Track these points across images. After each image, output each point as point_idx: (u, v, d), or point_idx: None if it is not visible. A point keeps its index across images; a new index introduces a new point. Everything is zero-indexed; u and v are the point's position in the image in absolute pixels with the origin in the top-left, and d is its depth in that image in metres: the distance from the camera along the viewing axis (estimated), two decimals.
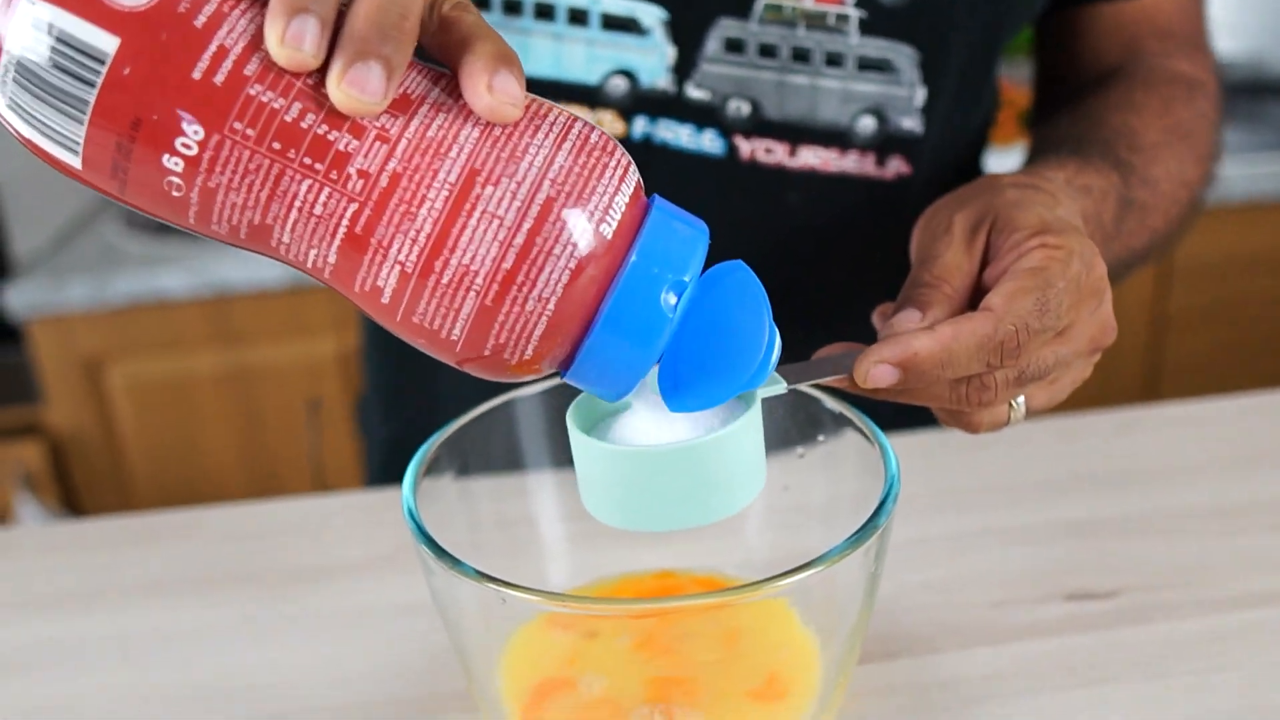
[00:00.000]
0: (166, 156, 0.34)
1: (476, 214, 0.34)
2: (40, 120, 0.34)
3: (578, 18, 0.64)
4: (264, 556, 0.63)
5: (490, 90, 0.34)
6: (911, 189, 0.67)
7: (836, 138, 0.66)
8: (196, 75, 0.33)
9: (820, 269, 0.70)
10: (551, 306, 0.35)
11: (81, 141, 0.34)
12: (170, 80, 0.33)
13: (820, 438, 0.49)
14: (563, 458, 0.50)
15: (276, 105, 0.33)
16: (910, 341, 0.42)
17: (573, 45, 0.65)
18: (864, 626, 0.44)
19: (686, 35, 0.65)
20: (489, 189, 0.34)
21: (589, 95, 0.66)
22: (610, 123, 0.66)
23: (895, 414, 0.57)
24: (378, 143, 0.34)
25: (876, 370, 0.42)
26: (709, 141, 0.67)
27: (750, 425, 0.40)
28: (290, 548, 0.64)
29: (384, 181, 0.34)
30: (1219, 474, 0.66)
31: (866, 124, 0.66)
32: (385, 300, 0.35)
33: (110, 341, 1.58)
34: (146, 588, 0.61)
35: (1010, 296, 0.43)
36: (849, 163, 0.66)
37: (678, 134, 0.66)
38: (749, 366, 0.37)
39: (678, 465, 0.39)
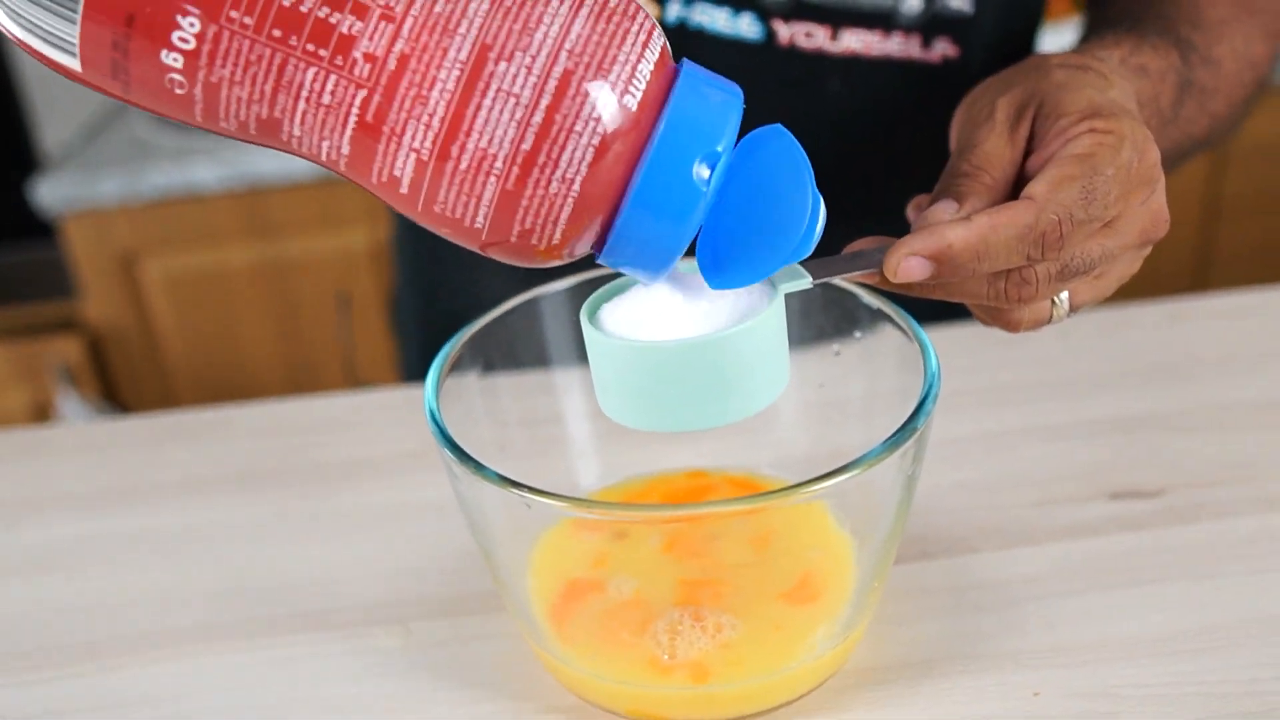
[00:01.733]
0: (165, 52, 0.32)
1: (491, 93, 0.32)
2: (33, 22, 0.32)
3: None
4: (298, 454, 0.63)
5: None
6: (959, 73, 0.64)
7: (880, 19, 0.62)
8: None
9: (862, 161, 0.68)
10: (577, 187, 0.33)
11: (77, 42, 0.32)
12: None
13: (857, 334, 0.47)
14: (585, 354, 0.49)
15: None
16: (944, 233, 0.40)
17: None
18: (900, 528, 0.43)
19: None
20: (502, 65, 0.32)
21: None
22: (645, 3, 0.63)
23: (932, 310, 0.55)
24: (382, 22, 0.32)
25: (907, 263, 0.40)
26: (746, 26, 0.64)
27: (772, 320, 0.38)
28: (325, 445, 0.63)
29: (392, 64, 0.32)
30: (1271, 367, 0.63)
31: (912, 3, 0.63)
32: (404, 190, 0.34)
33: (144, 235, 1.57)
34: (182, 485, 0.61)
35: (1054, 184, 0.40)
36: (893, 45, 0.63)
37: (714, 17, 0.63)
38: (792, 237, 0.35)
39: (694, 361, 0.37)
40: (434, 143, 0.32)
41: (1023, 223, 0.40)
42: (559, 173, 0.32)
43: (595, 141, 0.32)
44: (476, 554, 0.53)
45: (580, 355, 0.49)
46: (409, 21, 0.32)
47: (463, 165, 0.32)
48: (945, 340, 0.65)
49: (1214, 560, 0.51)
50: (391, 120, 0.33)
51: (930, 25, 0.62)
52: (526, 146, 0.32)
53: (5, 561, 0.57)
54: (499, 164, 0.32)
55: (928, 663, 0.46)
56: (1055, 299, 0.44)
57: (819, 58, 0.63)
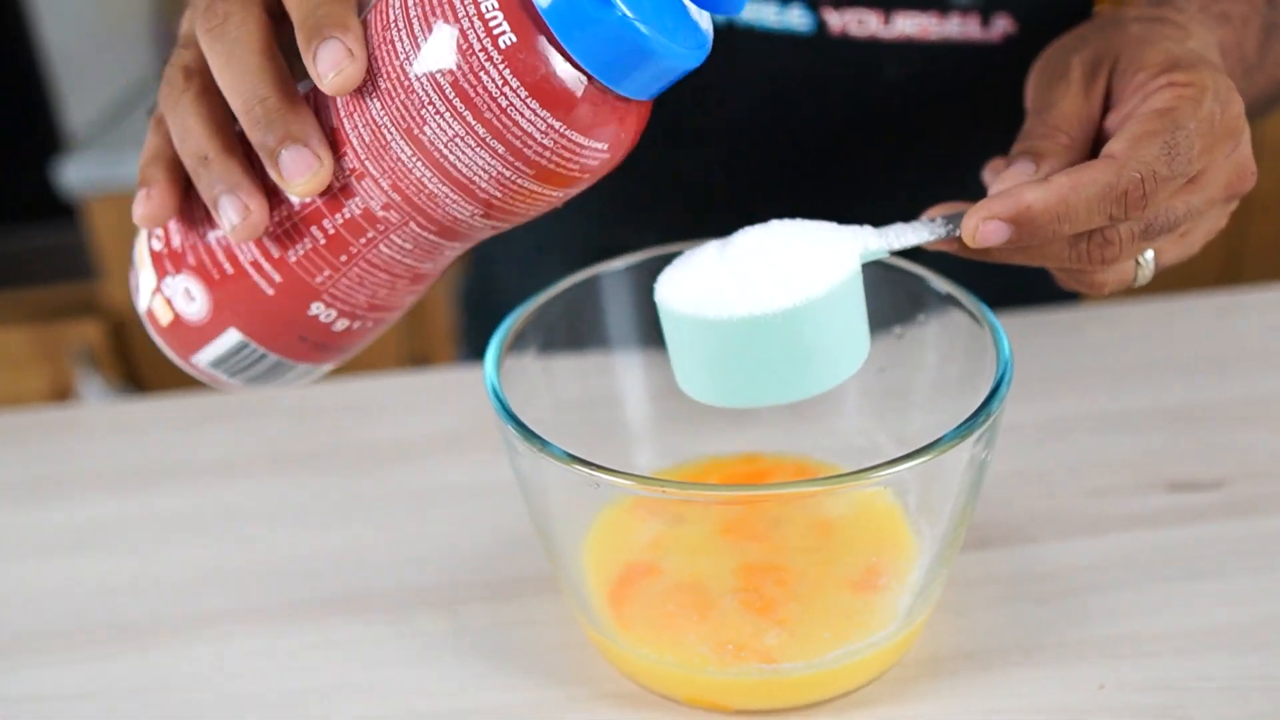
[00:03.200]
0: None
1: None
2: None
3: None
4: (338, 435, 0.62)
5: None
6: (1022, 50, 0.62)
7: (935, 1, 0.61)
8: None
9: (924, 148, 0.66)
10: None
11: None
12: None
13: (920, 317, 0.46)
14: (648, 336, 0.48)
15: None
16: (1023, 194, 0.38)
17: None
18: (968, 517, 0.42)
19: None
20: None
21: None
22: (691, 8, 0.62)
23: (996, 294, 0.54)
24: (358, 180, 0.37)
25: (985, 227, 0.38)
26: (796, 18, 0.62)
27: (849, 289, 0.37)
28: (364, 426, 0.62)
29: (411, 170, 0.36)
30: None
31: None
32: None
33: None
34: (222, 465, 0.60)
35: (1134, 141, 0.39)
36: (950, 27, 0.61)
37: (762, 13, 0.61)
38: None
39: (772, 333, 0.36)
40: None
41: (1104, 181, 0.38)
42: None
43: None
44: (522, 538, 0.52)
45: (639, 335, 0.48)
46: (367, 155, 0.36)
47: None
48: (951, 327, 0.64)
49: (1271, 554, 0.50)
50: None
51: (989, 3, 0.61)
52: None
53: (42, 541, 0.56)
54: None
55: (989, 653, 0.45)
56: (1140, 259, 0.43)
57: (873, 45, 0.62)
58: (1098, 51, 0.44)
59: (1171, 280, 0.93)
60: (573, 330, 0.46)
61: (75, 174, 1.52)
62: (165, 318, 0.41)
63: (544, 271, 0.72)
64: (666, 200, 0.69)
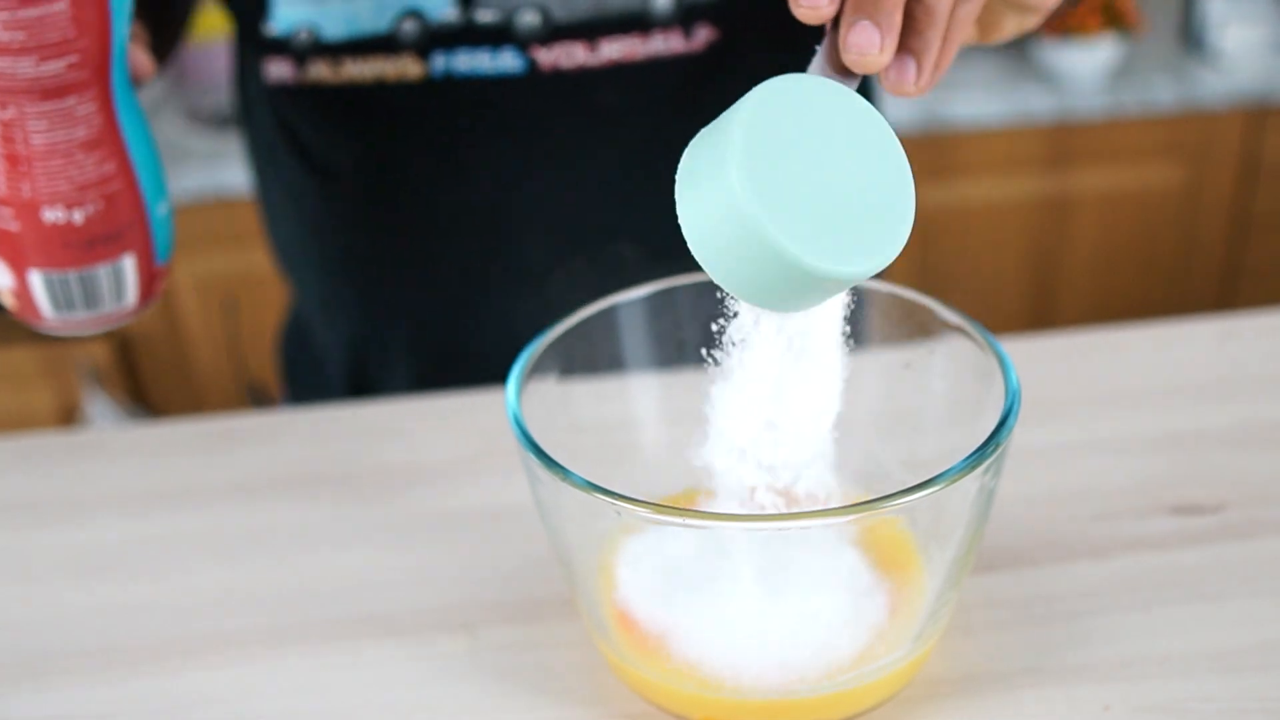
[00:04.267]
0: None
1: None
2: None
3: None
4: (355, 459, 0.63)
5: None
6: (727, 53, 0.66)
7: (635, 21, 0.64)
8: None
9: (649, 165, 0.66)
10: None
11: None
12: None
13: (927, 347, 0.48)
14: (662, 361, 0.49)
15: None
16: None
17: (363, 1, 0.64)
18: (976, 544, 0.43)
19: None
20: None
21: (385, 43, 0.65)
22: (410, 66, 0.65)
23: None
24: None
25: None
26: (508, 61, 0.65)
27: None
28: (382, 450, 0.64)
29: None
30: None
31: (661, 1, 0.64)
32: None
33: (174, 238, 1.58)
34: (235, 489, 0.61)
35: None
36: (655, 44, 0.64)
37: (475, 62, 0.65)
38: None
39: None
40: None
41: None
42: None
43: None
44: (539, 560, 0.53)
45: (653, 361, 0.49)
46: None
47: None
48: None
49: (1275, 575, 0.51)
50: None
51: (687, 14, 0.64)
52: None
53: (58, 563, 0.57)
54: None
55: (996, 675, 0.46)
56: None
57: (584, 74, 0.65)
58: None
59: (1172, 305, 0.94)
60: (590, 356, 0.47)
61: None
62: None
63: (340, 318, 0.76)
64: (425, 244, 0.73)
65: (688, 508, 0.40)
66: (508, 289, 0.72)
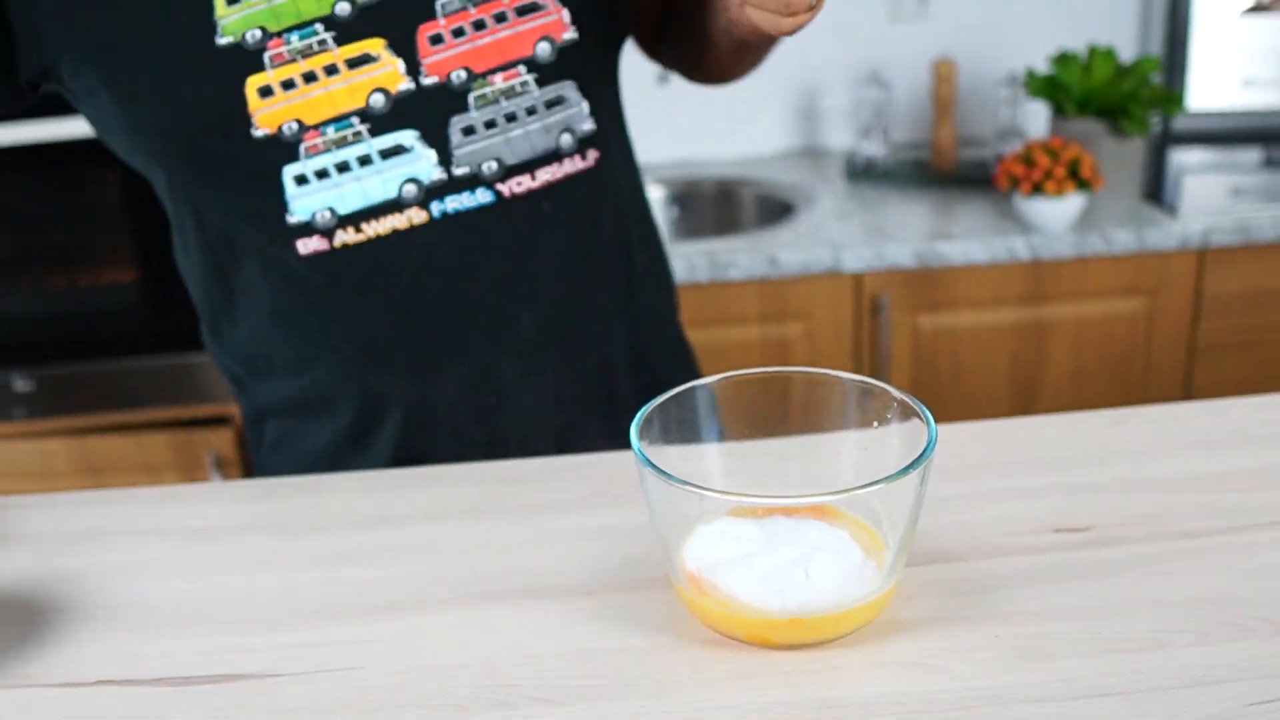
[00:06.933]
0: None
1: None
2: None
3: (365, 161, 0.94)
4: (500, 498, 0.92)
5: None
6: (607, 162, 1.04)
7: (554, 156, 0.99)
8: None
9: (581, 238, 1.03)
10: None
11: None
12: None
13: (887, 418, 0.76)
14: (725, 431, 0.78)
15: None
16: None
17: (370, 180, 0.95)
18: (914, 525, 0.71)
19: (436, 139, 0.96)
20: None
21: (395, 205, 0.96)
22: (416, 215, 0.97)
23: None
24: None
25: None
26: (482, 196, 0.98)
27: None
28: (516, 492, 0.92)
29: None
30: (1162, 455, 0.92)
31: (566, 140, 0.99)
32: None
33: None
34: (423, 516, 0.90)
35: None
36: (569, 166, 1.00)
37: (461, 202, 0.97)
38: None
39: None
40: None
41: None
42: None
43: None
44: (636, 556, 0.81)
45: (718, 432, 0.78)
46: None
47: None
48: (946, 432, 0.94)
49: (1117, 569, 0.78)
50: None
51: (580, 146, 1.00)
52: None
53: (316, 558, 0.85)
54: None
55: (928, 619, 0.74)
56: None
57: (532, 194, 0.99)
58: None
59: (1076, 403, 1.22)
60: (679, 424, 0.76)
61: None
62: None
63: (392, 409, 1.07)
64: (440, 330, 1.04)
65: (750, 494, 0.68)
66: (485, 352, 1.03)
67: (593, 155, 1.02)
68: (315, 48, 0.92)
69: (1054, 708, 0.66)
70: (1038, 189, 1.90)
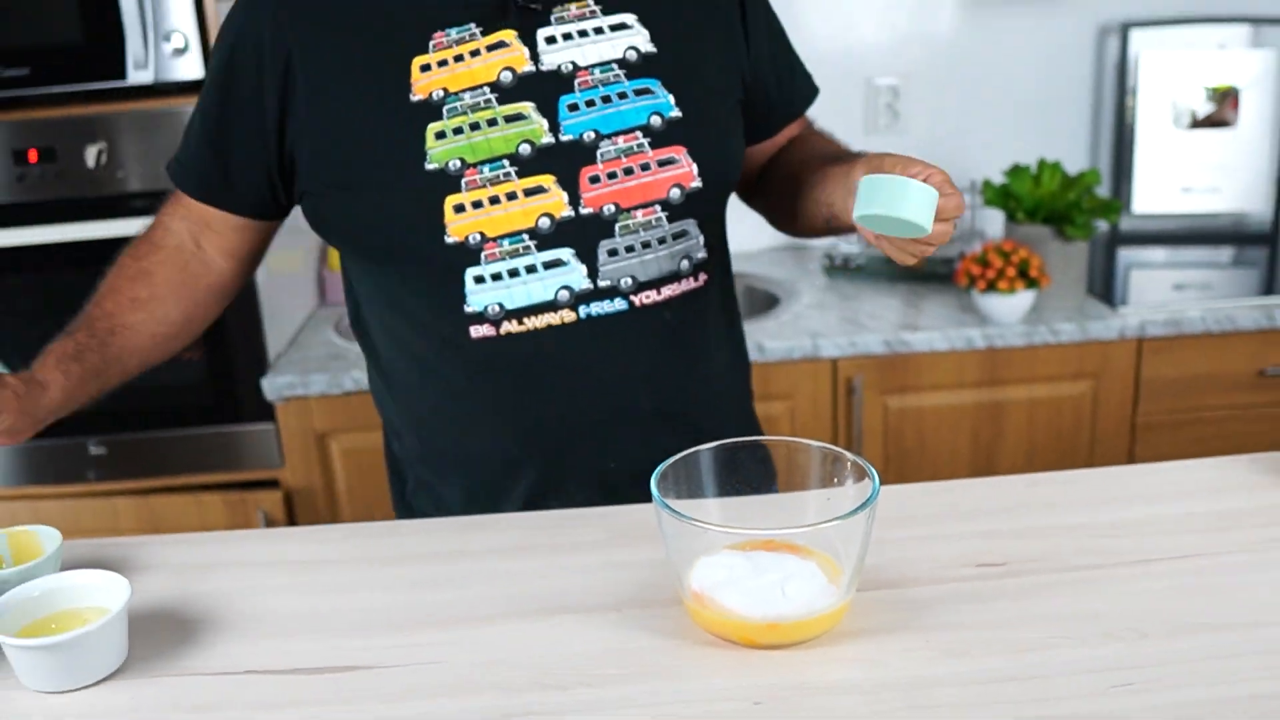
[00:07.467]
0: None
1: None
2: None
3: (531, 269, 1.20)
4: (543, 538, 1.15)
5: None
6: (714, 281, 1.31)
7: (675, 276, 1.25)
8: None
9: (692, 340, 1.29)
10: None
11: None
12: None
13: (844, 479, 1.00)
14: (719, 489, 1.02)
15: None
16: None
17: (534, 284, 1.21)
18: (862, 565, 0.95)
19: (587, 256, 1.22)
20: None
21: (551, 305, 1.22)
22: (567, 315, 1.22)
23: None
24: None
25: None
26: (619, 304, 1.24)
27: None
28: (556, 535, 1.16)
29: None
30: (1077, 508, 1.16)
31: (685, 264, 1.26)
32: None
33: (334, 420, 2.13)
34: (483, 551, 1.13)
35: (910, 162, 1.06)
36: (685, 285, 1.27)
37: (603, 307, 1.23)
38: None
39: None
40: None
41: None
42: None
43: None
44: (650, 582, 1.05)
45: (715, 489, 1.02)
46: None
47: None
48: (888, 493, 1.19)
49: (1028, 596, 1.02)
50: None
51: (695, 270, 1.26)
52: None
53: (391, 583, 1.08)
54: None
55: (875, 628, 0.97)
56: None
57: (656, 305, 1.25)
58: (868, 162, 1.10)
59: (1004, 469, 1.49)
60: (688, 479, 1.01)
61: (270, 386, 2.09)
62: None
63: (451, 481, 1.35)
64: (569, 403, 1.29)
65: (740, 529, 0.92)
66: (610, 426, 1.28)
67: (703, 277, 1.27)
68: (501, 178, 1.17)
69: (970, 691, 0.89)
70: (992, 286, 2.15)
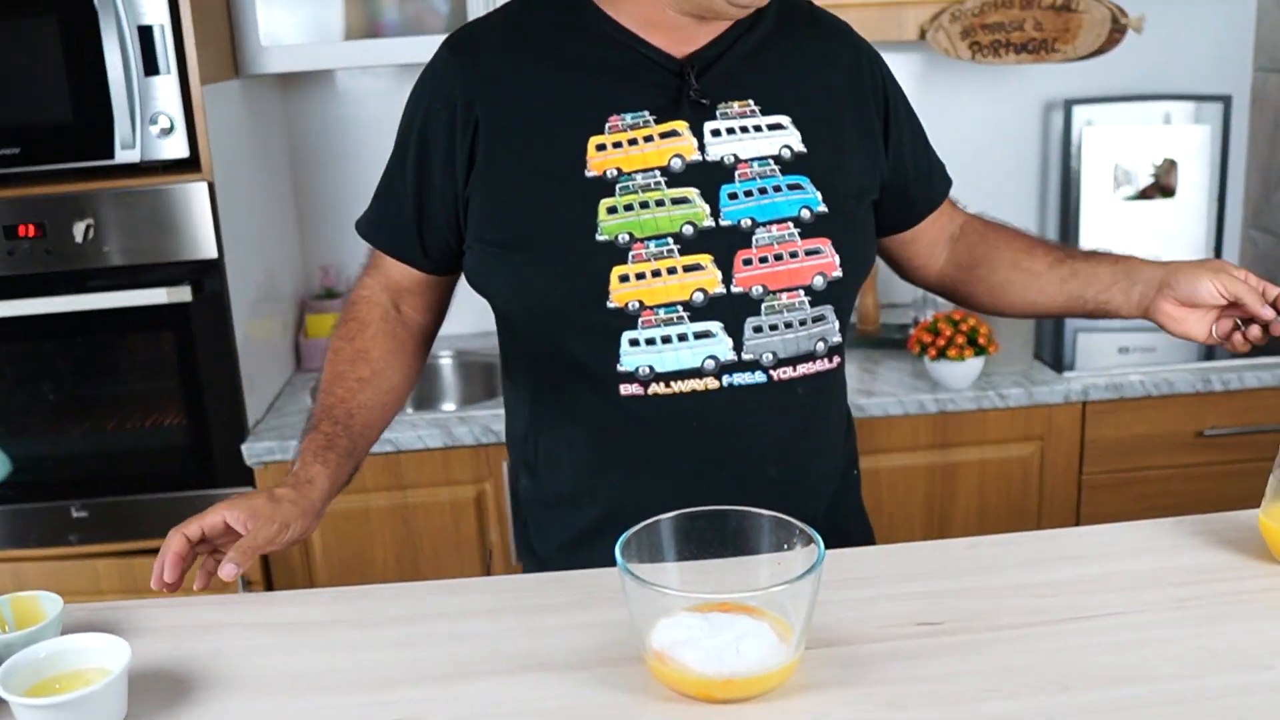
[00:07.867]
0: None
1: None
2: None
3: (682, 338, 1.30)
4: (515, 601, 1.23)
5: None
6: (840, 367, 1.40)
7: (810, 356, 1.34)
8: None
9: (818, 416, 1.39)
10: None
11: None
12: None
13: (793, 544, 1.09)
14: (683, 553, 1.11)
15: None
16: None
17: (683, 351, 1.30)
18: (810, 624, 1.03)
19: (734, 331, 1.31)
20: None
21: (696, 372, 1.32)
22: (711, 382, 1.32)
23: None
24: None
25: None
26: (758, 376, 1.33)
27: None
28: (527, 598, 1.24)
29: None
30: (1013, 569, 1.25)
31: (820, 346, 1.35)
32: None
33: None
34: (458, 614, 1.21)
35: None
36: (818, 365, 1.36)
37: (744, 379, 1.33)
38: None
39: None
40: None
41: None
42: None
43: None
44: (616, 641, 1.13)
45: (677, 552, 1.11)
46: None
47: None
48: (833, 555, 1.27)
49: (964, 652, 1.10)
50: None
51: (829, 353, 1.36)
52: None
53: (379, 642, 1.16)
54: None
55: (821, 682, 1.06)
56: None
57: (791, 381, 1.34)
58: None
59: (981, 532, 1.59)
60: (649, 546, 1.09)
61: (250, 451, 2.16)
62: None
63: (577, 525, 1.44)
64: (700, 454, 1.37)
65: (698, 594, 1.01)
66: (736, 488, 1.33)
67: (835, 359, 1.38)
68: (665, 254, 1.29)
69: None
70: (942, 354, 2.26)
